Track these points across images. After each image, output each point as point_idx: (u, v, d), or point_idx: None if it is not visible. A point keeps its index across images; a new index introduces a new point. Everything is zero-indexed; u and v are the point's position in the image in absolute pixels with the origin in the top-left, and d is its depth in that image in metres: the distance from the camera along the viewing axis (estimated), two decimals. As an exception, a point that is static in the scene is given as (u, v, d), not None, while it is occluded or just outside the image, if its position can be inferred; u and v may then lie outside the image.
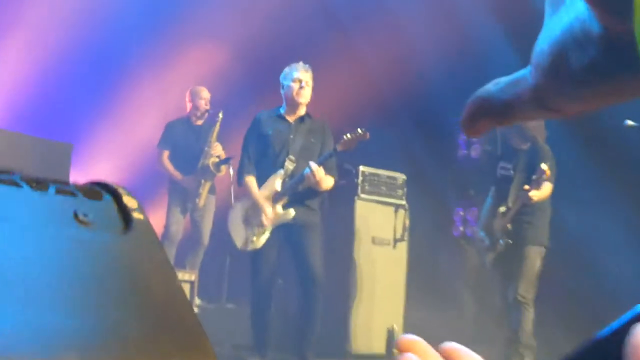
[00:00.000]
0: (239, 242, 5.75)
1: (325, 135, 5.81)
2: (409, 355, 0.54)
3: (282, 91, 5.78)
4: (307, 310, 5.58)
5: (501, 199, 6.02)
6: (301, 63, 5.76)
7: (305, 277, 5.57)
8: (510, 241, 5.90)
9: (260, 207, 5.61)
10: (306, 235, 5.60)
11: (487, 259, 6.12)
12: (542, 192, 5.77)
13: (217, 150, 7.45)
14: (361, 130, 5.60)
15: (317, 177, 5.48)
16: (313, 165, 5.48)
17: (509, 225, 5.91)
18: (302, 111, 5.77)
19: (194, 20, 8.57)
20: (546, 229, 5.98)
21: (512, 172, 6.01)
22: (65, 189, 0.65)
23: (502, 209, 5.97)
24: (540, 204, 5.89)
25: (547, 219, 6.00)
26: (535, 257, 5.91)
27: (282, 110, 5.81)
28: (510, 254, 5.92)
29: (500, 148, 6.44)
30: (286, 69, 5.78)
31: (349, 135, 5.60)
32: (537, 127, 5.96)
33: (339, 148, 5.61)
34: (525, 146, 6.02)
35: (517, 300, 5.82)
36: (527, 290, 5.83)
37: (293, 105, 5.72)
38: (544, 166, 5.61)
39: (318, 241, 5.68)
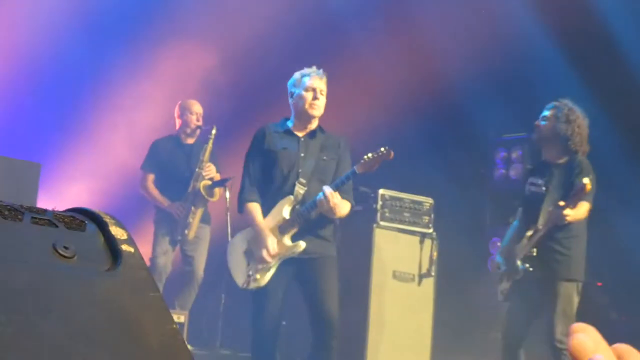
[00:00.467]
0: (239, 280, 5.65)
1: (340, 151, 5.70)
2: (581, 334, 0.65)
3: (290, 100, 5.66)
4: None
5: (530, 220, 5.99)
6: (314, 68, 5.64)
7: (318, 323, 5.49)
8: (531, 268, 5.86)
9: (263, 240, 5.53)
10: (320, 271, 5.52)
11: (500, 288, 6.07)
12: (578, 211, 5.75)
13: (209, 171, 7.44)
14: (384, 149, 5.49)
15: (332, 204, 5.42)
16: (327, 189, 5.40)
17: (534, 250, 5.87)
18: (314, 124, 5.67)
19: (178, 23, 8.61)
20: (582, 260, 5.94)
21: (543, 188, 5.99)
22: (42, 217, 0.66)
23: (529, 232, 5.94)
24: (575, 230, 5.88)
25: (583, 248, 5.96)
26: (571, 293, 5.85)
27: (289, 124, 5.71)
28: (537, 288, 5.89)
29: (530, 161, 6.40)
30: (296, 75, 5.66)
31: (370, 155, 5.50)
32: (581, 140, 5.96)
33: (359, 170, 5.50)
34: (562, 160, 6.02)
35: (554, 347, 5.77)
36: (565, 333, 5.76)
37: (304, 118, 5.63)
38: (585, 180, 5.57)
39: (334, 278, 5.58)
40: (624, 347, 0.67)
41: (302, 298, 5.61)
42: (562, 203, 5.67)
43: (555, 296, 5.82)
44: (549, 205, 5.88)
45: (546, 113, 6.02)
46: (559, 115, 5.95)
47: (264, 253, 5.50)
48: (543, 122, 6.02)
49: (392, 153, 5.50)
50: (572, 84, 7.85)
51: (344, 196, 5.51)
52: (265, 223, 5.56)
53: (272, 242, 5.48)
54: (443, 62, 8.39)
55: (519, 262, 5.88)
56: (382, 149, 5.50)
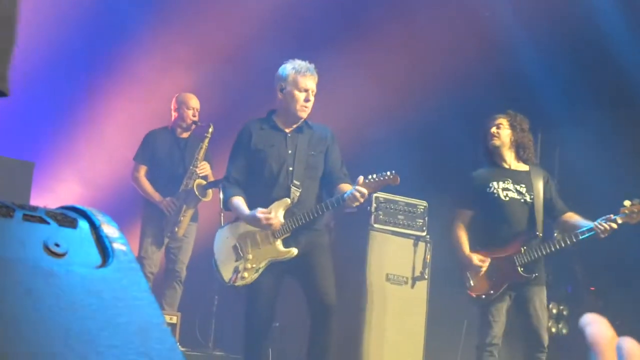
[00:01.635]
0: (226, 275, 5.61)
1: (328, 142, 5.65)
2: (598, 324, 0.71)
3: (278, 93, 5.58)
4: (318, 346, 5.47)
5: (515, 226, 6.01)
6: (307, 64, 5.55)
7: (316, 308, 5.44)
8: (536, 274, 5.93)
9: (260, 221, 5.39)
10: (314, 261, 5.45)
11: (479, 292, 6.07)
12: None
13: (204, 169, 7.41)
14: (391, 173, 5.43)
15: (362, 200, 5.41)
16: (361, 189, 5.32)
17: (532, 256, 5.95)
18: (300, 121, 5.62)
19: (176, 21, 8.58)
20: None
21: (528, 197, 6.04)
22: (33, 214, 0.65)
23: (521, 238, 5.96)
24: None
25: None
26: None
27: (275, 118, 5.65)
28: (524, 293, 5.95)
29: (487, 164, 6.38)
30: (288, 69, 5.53)
31: (374, 176, 5.42)
32: (533, 148, 6.22)
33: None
34: (522, 168, 6.17)
35: (542, 348, 5.87)
36: (546, 340, 5.93)
37: (292, 117, 5.58)
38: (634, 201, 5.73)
39: (329, 264, 5.51)
40: (628, 340, 0.70)
41: (299, 288, 5.56)
42: (612, 216, 5.77)
43: (540, 302, 5.95)
44: (546, 213, 6.04)
45: (500, 121, 6.13)
46: (514, 123, 6.09)
47: (264, 222, 5.42)
48: (499, 130, 6.12)
49: (399, 179, 5.45)
50: (570, 87, 7.88)
51: (346, 180, 5.48)
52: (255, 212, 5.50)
53: (266, 216, 5.41)
54: (440, 62, 8.39)
55: (520, 269, 5.91)
56: (389, 172, 5.43)
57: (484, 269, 6.01)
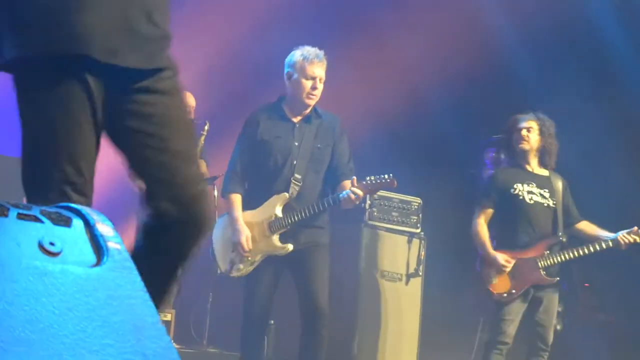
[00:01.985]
0: (222, 266, 5.61)
1: (336, 135, 5.59)
2: None
3: (286, 80, 5.51)
4: (308, 351, 5.47)
5: (539, 230, 6.02)
6: (315, 50, 5.49)
7: (309, 313, 5.44)
8: (558, 278, 5.96)
9: (238, 235, 5.44)
10: (311, 260, 5.43)
11: (501, 289, 6.06)
12: None
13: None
14: (388, 176, 5.41)
15: (357, 202, 5.40)
16: (357, 191, 5.31)
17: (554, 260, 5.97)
18: (309, 109, 5.55)
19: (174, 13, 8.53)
20: None
21: (551, 202, 6.04)
22: (28, 213, 0.65)
23: (545, 242, 5.98)
24: None
25: None
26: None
27: (284, 106, 5.58)
28: (541, 296, 5.98)
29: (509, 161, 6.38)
30: (297, 56, 5.47)
31: (372, 178, 5.41)
32: (555, 156, 6.15)
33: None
34: (544, 173, 6.15)
35: (546, 350, 5.90)
36: (550, 340, 5.97)
37: (300, 105, 5.52)
38: None
39: (325, 267, 5.49)
40: None
41: (294, 286, 5.56)
42: (636, 229, 5.86)
43: (553, 304, 5.99)
44: (567, 220, 6.08)
45: (531, 124, 6.07)
46: (543, 129, 6.05)
47: (239, 249, 5.45)
48: (530, 133, 6.07)
49: (396, 182, 5.44)
50: (567, 86, 7.88)
51: (351, 176, 5.45)
52: (252, 216, 5.49)
53: (246, 239, 5.43)
54: (437, 60, 8.38)
55: (542, 272, 5.94)
56: (386, 176, 5.42)
57: (508, 270, 5.98)
